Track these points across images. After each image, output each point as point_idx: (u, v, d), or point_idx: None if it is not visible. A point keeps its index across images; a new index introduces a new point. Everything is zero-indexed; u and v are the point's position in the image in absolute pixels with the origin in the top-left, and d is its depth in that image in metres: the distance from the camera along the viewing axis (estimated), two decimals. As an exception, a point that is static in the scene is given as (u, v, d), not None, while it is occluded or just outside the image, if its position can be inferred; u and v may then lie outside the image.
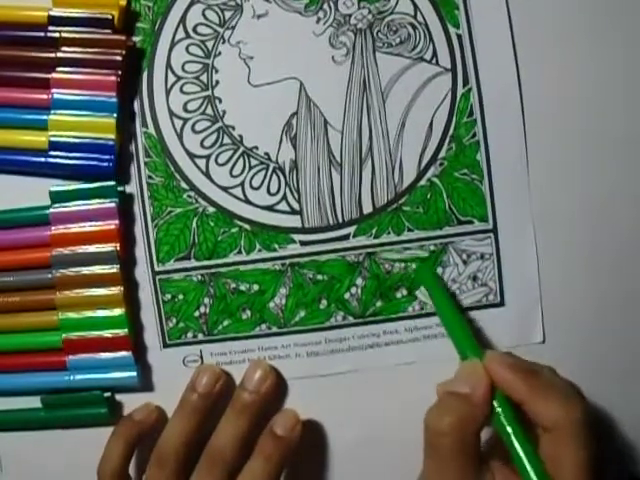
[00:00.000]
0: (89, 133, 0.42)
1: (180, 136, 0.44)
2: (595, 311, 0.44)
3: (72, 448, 0.45)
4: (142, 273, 0.44)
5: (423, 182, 0.44)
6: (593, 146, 0.44)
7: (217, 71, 0.44)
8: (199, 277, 0.44)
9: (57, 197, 0.43)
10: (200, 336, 0.44)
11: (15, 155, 0.43)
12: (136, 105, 0.44)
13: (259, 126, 0.44)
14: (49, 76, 0.43)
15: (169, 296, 0.44)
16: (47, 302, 0.43)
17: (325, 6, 0.44)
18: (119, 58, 0.43)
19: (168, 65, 0.44)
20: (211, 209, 0.44)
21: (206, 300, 0.44)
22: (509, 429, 0.37)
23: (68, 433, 0.45)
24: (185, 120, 0.44)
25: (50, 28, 0.43)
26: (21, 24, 0.43)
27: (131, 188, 0.44)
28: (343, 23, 0.44)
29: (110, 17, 0.43)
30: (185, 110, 0.44)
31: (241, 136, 0.44)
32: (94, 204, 0.43)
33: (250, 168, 0.44)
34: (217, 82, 0.44)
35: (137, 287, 0.44)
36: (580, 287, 0.44)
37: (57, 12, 0.43)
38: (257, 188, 0.44)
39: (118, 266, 0.42)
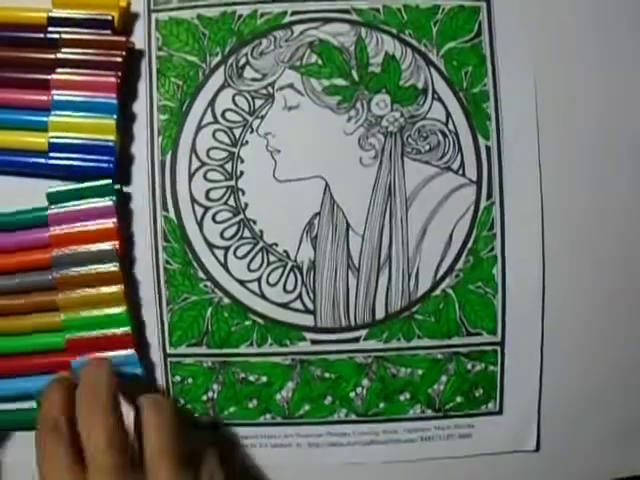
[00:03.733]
0: (89, 134, 0.40)
1: (200, 224, 0.41)
2: (593, 429, 0.43)
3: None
4: (154, 354, 0.42)
5: (437, 292, 0.42)
6: (614, 269, 0.42)
7: (243, 161, 0.41)
8: (209, 363, 0.42)
9: (54, 198, 0.41)
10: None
11: (15, 156, 0.41)
12: (157, 187, 0.41)
13: (281, 223, 0.41)
14: (49, 77, 0.40)
15: (179, 378, 0.42)
16: (49, 303, 0.41)
17: (358, 105, 0.41)
18: (119, 59, 0.40)
19: (193, 149, 0.41)
20: (226, 300, 0.41)
21: (215, 386, 0.42)
22: None
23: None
24: (206, 208, 0.41)
25: (50, 29, 0.40)
26: (21, 25, 0.41)
27: (147, 271, 0.42)
28: (374, 124, 0.41)
29: (110, 18, 0.40)
30: (207, 198, 0.41)
31: (262, 231, 0.41)
32: (91, 203, 0.40)
33: (268, 264, 0.41)
34: (242, 173, 0.41)
35: (147, 366, 0.42)
36: (579, 404, 0.43)
37: (57, 13, 0.40)
38: (274, 285, 0.41)
39: (117, 264, 0.40)
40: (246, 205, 0.42)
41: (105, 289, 0.41)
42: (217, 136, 0.42)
